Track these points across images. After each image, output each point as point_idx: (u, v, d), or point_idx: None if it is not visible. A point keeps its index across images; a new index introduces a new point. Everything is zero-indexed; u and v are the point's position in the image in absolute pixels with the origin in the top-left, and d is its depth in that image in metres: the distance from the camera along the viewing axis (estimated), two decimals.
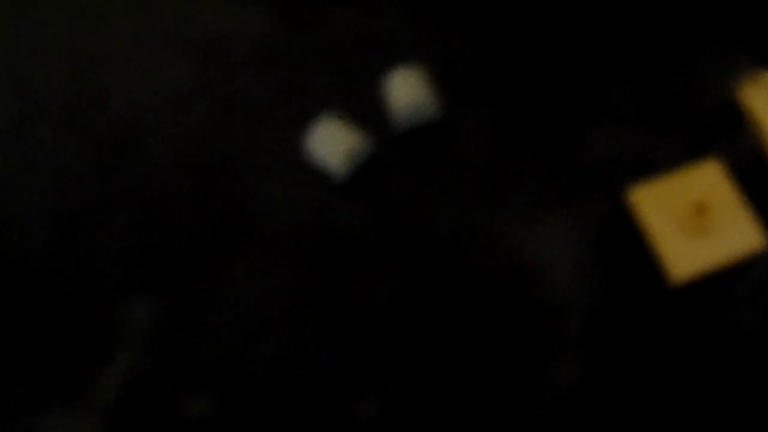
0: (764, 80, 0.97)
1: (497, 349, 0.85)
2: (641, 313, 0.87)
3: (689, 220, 0.88)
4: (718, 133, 0.96)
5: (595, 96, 0.99)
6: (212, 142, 0.99)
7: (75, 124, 1.02)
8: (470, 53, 1.03)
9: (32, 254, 0.93)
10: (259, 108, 1.01)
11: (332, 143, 0.94)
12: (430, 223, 0.92)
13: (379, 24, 1.06)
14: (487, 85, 1.00)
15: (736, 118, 0.97)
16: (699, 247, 0.88)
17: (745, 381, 0.83)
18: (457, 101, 1.00)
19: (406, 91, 0.96)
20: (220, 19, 1.08)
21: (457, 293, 0.88)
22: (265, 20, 1.07)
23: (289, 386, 0.84)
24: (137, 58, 1.06)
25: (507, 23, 1.05)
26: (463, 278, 0.89)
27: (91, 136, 1.01)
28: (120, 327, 0.88)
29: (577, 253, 0.90)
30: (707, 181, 0.91)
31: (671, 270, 0.87)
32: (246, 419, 0.83)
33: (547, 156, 0.95)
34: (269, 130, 0.99)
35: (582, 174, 0.94)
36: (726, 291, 0.88)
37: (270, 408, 0.83)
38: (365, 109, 1.00)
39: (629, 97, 0.99)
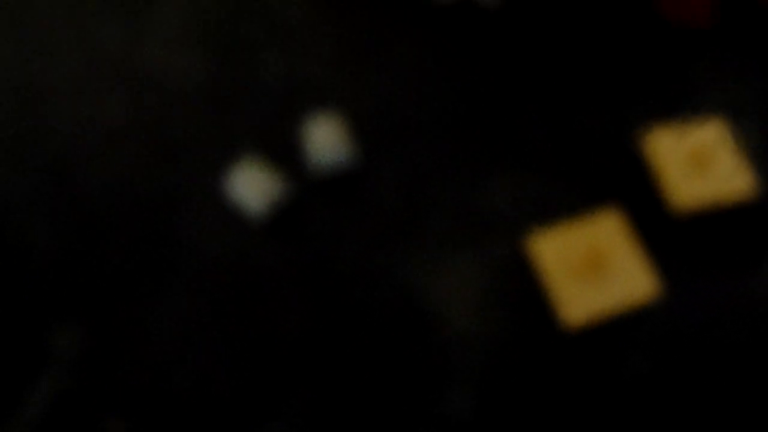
0: (667, 131, 1.02)
1: (395, 381, 0.90)
2: (535, 355, 0.91)
3: (586, 267, 0.92)
4: (620, 182, 1.01)
5: (504, 144, 1.04)
6: (140, 179, 1.04)
7: (11, 154, 1.07)
8: (388, 102, 1.08)
9: None
10: (186, 147, 1.06)
11: (253, 186, 0.99)
12: (343, 264, 0.97)
13: (306, 70, 1.11)
14: (402, 134, 1.06)
15: (639, 167, 1.02)
16: (594, 293, 0.92)
17: (633, 426, 0.87)
18: (374, 149, 1.05)
19: (325, 138, 1.01)
20: (159, 58, 1.14)
21: (364, 328, 0.93)
22: (201, 61, 1.13)
23: (206, 409, 0.89)
24: (77, 93, 1.12)
25: (427, 74, 1.10)
26: (370, 314, 0.94)
27: (24, 167, 1.06)
28: (46, 350, 0.93)
29: (477, 295, 0.94)
30: (605, 230, 0.96)
31: (566, 315, 0.91)
32: None
33: (455, 201, 1.00)
34: (195, 169, 1.04)
35: (487, 218, 0.99)
36: (620, 337, 0.92)
37: (187, 429, 0.88)
38: (287, 154, 1.05)
39: (536, 143, 1.04)
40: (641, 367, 0.90)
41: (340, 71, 1.11)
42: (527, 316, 0.93)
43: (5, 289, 0.97)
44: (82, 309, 0.96)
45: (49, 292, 0.97)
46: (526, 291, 0.94)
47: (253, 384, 0.91)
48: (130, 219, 1.01)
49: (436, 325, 0.93)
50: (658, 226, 0.98)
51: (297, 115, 1.07)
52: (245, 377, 0.91)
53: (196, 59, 1.13)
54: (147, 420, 0.88)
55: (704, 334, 0.93)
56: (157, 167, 1.05)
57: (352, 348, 0.92)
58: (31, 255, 0.99)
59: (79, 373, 0.92)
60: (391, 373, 0.90)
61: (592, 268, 0.92)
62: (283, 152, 1.05)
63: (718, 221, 0.99)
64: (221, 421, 0.88)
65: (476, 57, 1.11)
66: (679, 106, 1.06)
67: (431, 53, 1.11)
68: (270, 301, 0.95)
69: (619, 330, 0.92)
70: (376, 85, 1.09)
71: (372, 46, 1.12)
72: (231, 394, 0.90)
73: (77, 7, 1.19)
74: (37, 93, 1.12)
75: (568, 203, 0.99)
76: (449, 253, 0.97)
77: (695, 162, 0.99)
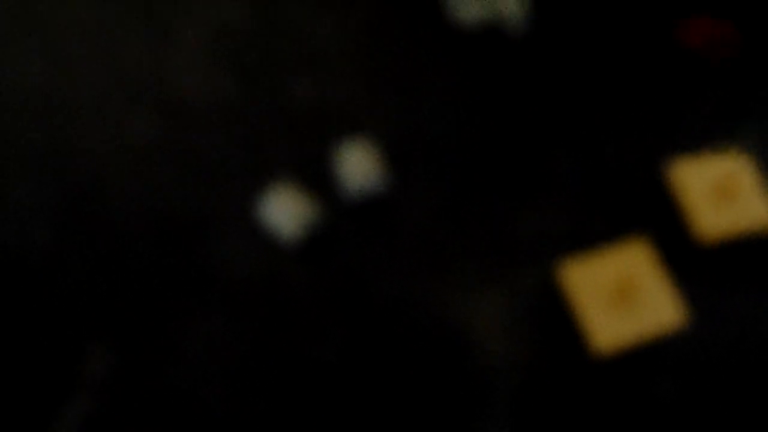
0: (692, 163, 1.04)
1: (429, 408, 0.91)
2: (566, 382, 0.93)
3: (614, 296, 0.95)
4: (647, 213, 1.03)
5: (534, 174, 1.06)
6: (172, 200, 1.05)
7: (42, 172, 1.08)
8: (419, 129, 1.10)
9: None
10: (218, 169, 1.07)
11: (286, 210, 1.00)
12: (375, 289, 0.98)
13: (336, 95, 1.12)
14: (433, 161, 1.07)
15: (666, 198, 1.04)
16: (622, 321, 0.94)
17: None
18: (405, 176, 1.06)
19: (357, 164, 1.02)
20: (187, 80, 1.15)
21: (396, 353, 0.94)
22: (230, 84, 1.14)
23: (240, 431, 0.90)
24: (106, 113, 1.12)
25: (456, 101, 1.12)
26: (403, 340, 0.95)
27: (54, 185, 1.06)
28: (79, 372, 0.94)
29: (509, 322, 0.96)
30: (633, 259, 0.98)
31: (596, 342, 0.93)
32: None
33: (487, 229, 1.02)
34: (227, 191, 1.05)
35: (517, 248, 1.01)
36: (649, 362, 0.94)
37: None
38: (318, 178, 1.06)
39: (566, 175, 1.06)
40: (669, 391, 0.92)
41: (371, 97, 1.12)
42: (559, 344, 0.95)
43: (37, 311, 0.98)
44: (114, 331, 0.96)
45: (80, 313, 0.97)
46: (558, 319, 0.96)
47: (286, 408, 0.92)
48: (162, 240, 1.02)
49: (469, 352, 0.94)
50: (685, 255, 1.00)
51: (329, 140, 1.09)
52: (278, 401, 0.92)
53: (225, 81, 1.14)
54: None
55: (729, 359, 0.95)
56: (188, 189, 1.06)
57: (386, 373, 0.94)
58: (61, 276, 1.00)
59: (111, 395, 0.92)
60: (425, 399, 0.92)
61: (621, 297, 0.94)
62: (316, 177, 1.06)
63: (742, 250, 1.01)
64: None
65: (504, 85, 1.13)
66: (704, 138, 1.09)
67: (460, 80, 1.13)
68: (303, 325, 0.96)
69: (647, 356, 0.94)
70: (407, 112, 1.11)
71: (402, 73, 1.14)
72: (263, 418, 0.91)
73: (104, 27, 1.19)
74: (64, 111, 1.12)
75: (598, 233, 1.01)
76: (482, 281, 0.98)
77: (720, 193, 1.01)
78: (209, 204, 1.05)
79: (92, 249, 1.01)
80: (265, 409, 0.91)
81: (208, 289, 0.99)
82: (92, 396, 0.92)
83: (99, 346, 0.95)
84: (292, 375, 0.93)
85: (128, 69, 1.16)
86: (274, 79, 1.14)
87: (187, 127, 1.10)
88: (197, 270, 1.00)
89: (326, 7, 1.18)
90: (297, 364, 0.94)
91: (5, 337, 0.96)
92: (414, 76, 1.14)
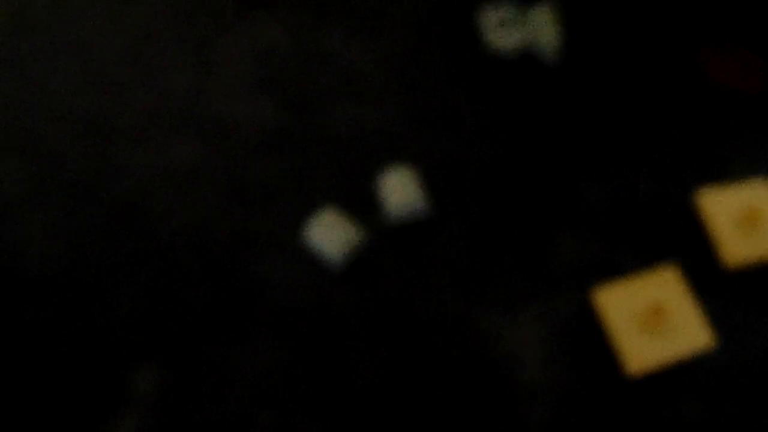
0: (720, 191, 1.08)
1: (468, 428, 0.95)
2: (600, 403, 0.97)
3: (647, 320, 0.99)
4: (677, 240, 1.07)
5: (567, 201, 1.10)
6: (216, 223, 1.09)
7: (85, 191, 1.11)
8: (456, 155, 1.14)
9: (43, 317, 1.02)
10: (262, 193, 1.11)
11: (330, 233, 1.04)
12: (416, 310, 1.03)
13: (376, 120, 1.16)
14: (470, 186, 1.11)
15: (695, 226, 1.08)
16: (655, 344, 0.99)
17: None
18: (444, 201, 1.10)
19: (399, 189, 1.06)
20: (230, 104, 1.18)
21: (435, 375, 0.99)
22: (271, 109, 1.18)
23: None
24: (148, 135, 1.16)
25: (493, 130, 1.16)
26: (441, 361, 0.99)
27: (100, 207, 1.10)
28: (126, 390, 0.98)
29: (544, 345, 1.00)
30: (664, 284, 1.02)
31: (629, 364, 0.97)
32: None
33: (522, 254, 1.06)
34: (271, 216, 1.09)
35: (552, 273, 1.05)
36: (678, 385, 0.98)
37: None
38: (360, 202, 1.10)
39: (598, 203, 1.10)
40: (697, 411, 0.97)
41: (410, 123, 1.16)
42: (593, 367, 0.99)
43: (88, 330, 1.01)
44: (163, 351, 1.00)
45: (130, 333, 1.01)
46: (591, 342, 1.01)
47: (330, 428, 0.96)
48: (206, 263, 1.06)
49: (504, 375, 0.98)
50: (713, 281, 1.05)
51: (369, 162, 1.13)
52: (323, 421, 0.96)
53: (267, 107, 1.17)
54: None
55: (756, 380, 0.99)
56: (232, 212, 1.09)
57: (425, 393, 0.98)
58: (111, 297, 1.04)
59: (160, 416, 0.96)
60: (464, 421, 0.96)
61: (652, 321, 0.99)
62: (358, 200, 1.10)
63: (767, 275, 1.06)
64: None
65: (539, 113, 1.16)
66: (731, 167, 1.13)
67: (496, 107, 1.17)
68: (347, 347, 1.01)
69: (676, 377, 0.99)
70: (445, 138, 1.15)
71: (439, 100, 1.18)
72: None
73: (145, 49, 1.23)
74: (106, 134, 1.16)
75: (630, 259, 1.05)
76: (518, 305, 1.03)
77: (746, 220, 1.05)
78: (253, 228, 1.08)
79: (140, 270, 1.05)
80: (312, 427, 0.95)
81: (254, 312, 1.03)
82: (139, 416, 0.96)
83: (149, 366, 0.99)
84: (338, 397, 0.98)
85: (169, 91, 1.19)
86: (315, 104, 1.18)
87: (230, 152, 1.14)
88: (245, 292, 1.04)
89: (365, 34, 1.22)
90: (342, 384, 0.98)
91: (56, 355, 1.00)
92: (451, 103, 1.17)
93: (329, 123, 1.16)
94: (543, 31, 1.17)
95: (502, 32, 1.19)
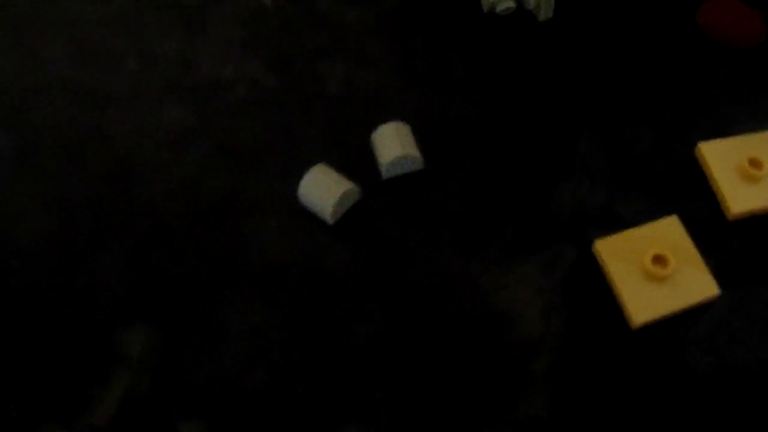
0: (722, 143, 1.07)
1: (467, 382, 0.92)
2: (604, 354, 0.94)
3: (649, 270, 0.96)
4: (679, 190, 1.05)
5: (567, 152, 1.08)
6: (208, 183, 1.06)
7: (75, 158, 1.08)
8: (451, 109, 1.12)
9: (32, 280, 0.99)
10: (253, 152, 1.08)
11: (322, 189, 1.01)
12: (411, 265, 1.00)
13: (368, 79, 1.14)
14: (466, 139, 1.09)
15: (697, 177, 1.06)
16: (658, 294, 0.96)
17: (696, 419, 0.90)
18: (438, 154, 1.08)
19: (391, 143, 1.04)
20: (219, 66, 1.16)
21: (434, 329, 0.95)
22: (262, 69, 1.16)
23: (277, 411, 0.90)
24: (138, 100, 1.13)
25: (487, 82, 1.14)
26: (440, 316, 0.96)
27: (90, 171, 1.07)
28: (117, 352, 0.94)
29: (546, 297, 0.97)
30: (667, 235, 1.00)
31: (632, 314, 0.95)
32: None
33: (521, 207, 1.03)
34: (263, 173, 1.07)
35: (552, 224, 1.02)
36: (682, 334, 0.96)
37: (260, 429, 0.89)
38: (353, 158, 1.08)
39: (599, 153, 1.08)
40: (701, 361, 0.94)
41: (403, 80, 1.14)
42: (594, 318, 0.96)
43: (78, 294, 0.98)
44: (154, 312, 0.97)
45: (121, 295, 0.98)
46: (592, 293, 0.98)
47: (325, 385, 0.92)
48: (198, 222, 1.03)
49: (506, 328, 0.95)
50: (715, 231, 1.02)
51: (362, 120, 1.10)
52: (318, 378, 0.93)
53: (256, 68, 1.15)
54: (219, 420, 0.90)
55: (758, 328, 0.97)
56: (223, 171, 1.07)
57: (423, 349, 0.95)
58: (101, 259, 1.01)
59: (151, 375, 0.93)
60: (463, 373, 0.93)
61: (656, 270, 0.96)
62: (350, 156, 1.08)
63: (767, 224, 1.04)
64: (294, 423, 0.90)
65: (535, 68, 1.15)
66: (732, 120, 1.11)
67: (490, 63, 1.15)
68: (341, 302, 0.97)
69: (680, 326, 0.96)
70: (439, 93, 1.13)
71: (432, 56, 1.16)
72: (303, 395, 0.91)
73: (132, 17, 1.21)
74: (95, 99, 1.13)
75: (631, 210, 1.03)
76: (516, 258, 1.00)
77: (747, 172, 1.03)
78: (245, 186, 1.06)
79: (130, 230, 1.02)
80: (308, 387, 0.92)
81: (245, 271, 1.00)
82: (131, 377, 0.93)
83: (139, 325, 0.96)
84: (333, 352, 0.94)
85: (158, 57, 1.17)
86: (306, 64, 1.16)
87: (220, 113, 1.12)
88: (237, 250, 1.01)
89: None
90: (336, 340, 0.95)
91: (48, 319, 0.96)
92: (444, 60, 1.16)
93: (320, 82, 1.14)
94: None
95: None
